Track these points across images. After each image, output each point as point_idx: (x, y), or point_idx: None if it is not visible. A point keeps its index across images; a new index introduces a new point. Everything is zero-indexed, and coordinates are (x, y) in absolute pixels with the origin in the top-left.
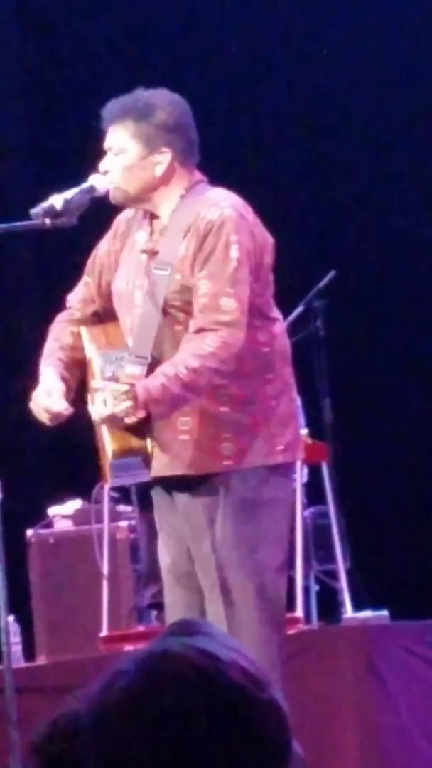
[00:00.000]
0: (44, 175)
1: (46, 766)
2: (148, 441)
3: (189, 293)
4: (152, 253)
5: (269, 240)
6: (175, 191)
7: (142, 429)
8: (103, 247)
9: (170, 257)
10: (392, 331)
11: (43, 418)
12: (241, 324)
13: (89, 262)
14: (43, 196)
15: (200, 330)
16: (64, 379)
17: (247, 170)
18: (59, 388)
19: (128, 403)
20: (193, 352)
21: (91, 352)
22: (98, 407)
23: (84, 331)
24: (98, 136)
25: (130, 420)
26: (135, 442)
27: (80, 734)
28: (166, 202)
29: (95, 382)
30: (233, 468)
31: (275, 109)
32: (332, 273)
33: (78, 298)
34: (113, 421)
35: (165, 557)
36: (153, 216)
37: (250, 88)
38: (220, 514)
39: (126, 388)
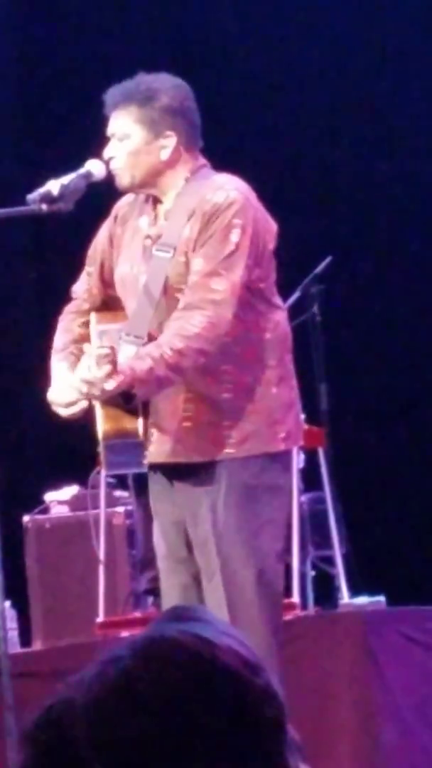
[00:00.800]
0: (40, 161)
1: (40, 753)
2: (141, 424)
3: None
4: (157, 238)
5: (272, 225)
6: (180, 175)
7: (135, 411)
8: (103, 233)
9: (173, 239)
10: (389, 317)
11: (65, 412)
12: (230, 305)
13: (90, 251)
14: (39, 182)
15: (188, 307)
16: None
17: (245, 156)
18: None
19: (107, 367)
20: (178, 332)
21: (92, 332)
22: (81, 372)
23: (93, 315)
24: (95, 120)
25: (110, 385)
26: (128, 424)
27: (74, 720)
28: (171, 186)
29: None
30: (235, 455)
31: (275, 94)
32: (329, 259)
33: (83, 288)
34: (95, 385)
35: (161, 544)
36: (156, 200)
37: (250, 74)
38: (222, 500)
39: (106, 351)
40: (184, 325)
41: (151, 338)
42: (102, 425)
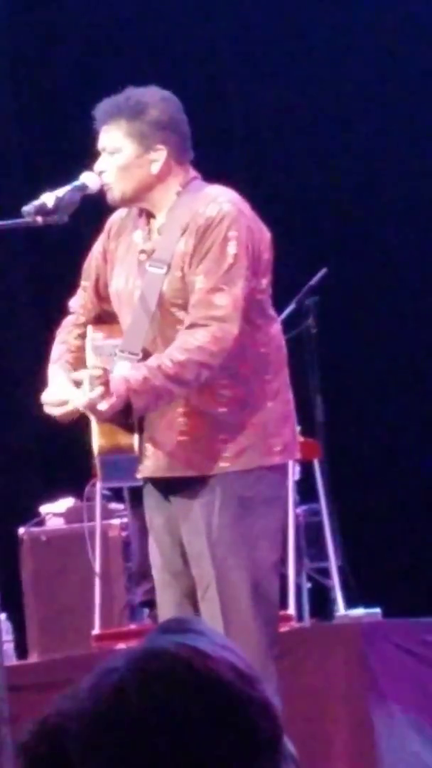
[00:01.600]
0: (35, 173)
1: (34, 765)
2: (136, 440)
3: (190, 291)
4: (151, 253)
5: (267, 235)
6: (171, 188)
7: (131, 427)
8: (97, 248)
9: (166, 255)
10: (384, 329)
11: (58, 411)
12: (234, 319)
13: (85, 266)
14: (34, 195)
15: (192, 325)
16: (72, 380)
17: (240, 168)
18: (67, 385)
19: (100, 389)
20: (180, 346)
21: (87, 348)
22: (77, 394)
23: (90, 329)
24: (90, 133)
25: (103, 407)
26: (123, 439)
27: (69, 733)
28: (163, 199)
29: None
30: (231, 469)
31: (270, 105)
32: (324, 271)
33: (79, 303)
34: (91, 407)
35: (156, 556)
36: (149, 215)
37: (245, 84)
38: (217, 513)
39: (99, 373)
40: (187, 339)
41: (146, 354)
42: (97, 440)
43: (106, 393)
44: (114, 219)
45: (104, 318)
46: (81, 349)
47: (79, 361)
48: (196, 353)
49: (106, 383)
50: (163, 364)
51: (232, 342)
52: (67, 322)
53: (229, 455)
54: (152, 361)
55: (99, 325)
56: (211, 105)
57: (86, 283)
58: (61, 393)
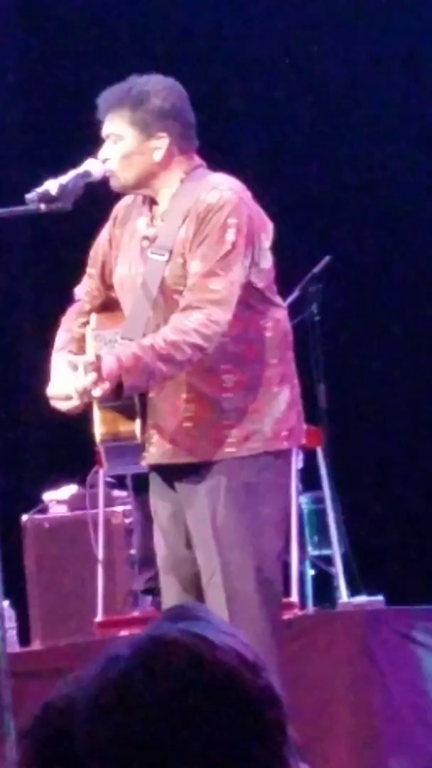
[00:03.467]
0: (38, 160)
1: (38, 751)
2: (138, 427)
3: None
4: (153, 239)
5: (268, 223)
6: (174, 176)
7: (133, 414)
8: (104, 236)
9: (168, 242)
10: (387, 316)
11: (64, 405)
12: (229, 304)
13: (92, 253)
14: (37, 182)
15: (186, 308)
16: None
17: (243, 155)
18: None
19: (93, 375)
20: (174, 327)
21: (88, 334)
22: (74, 381)
23: (93, 316)
24: (93, 121)
25: (97, 393)
26: (123, 427)
27: (73, 719)
28: (166, 187)
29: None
30: (236, 454)
31: (273, 94)
32: (327, 258)
33: (84, 290)
34: (86, 394)
35: (160, 544)
36: (153, 202)
37: (249, 74)
38: (222, 499)
39: (91, 359)
40: (181, 321)
41: None
42: (98, 428)
43: (99, 379)
44: (120, 206)
45: (110, 305)
46: (85, 338)
47: (82, 350)
48: (190, 335)
49: (98, 369)
50: (155, 344)
51: (225, 326)
52: (72, 309)
53: (234, 440)
54: (145, 340)
55: (103, 313)
56: (215, 94)
57: (92, 270)
58: (66, 387)
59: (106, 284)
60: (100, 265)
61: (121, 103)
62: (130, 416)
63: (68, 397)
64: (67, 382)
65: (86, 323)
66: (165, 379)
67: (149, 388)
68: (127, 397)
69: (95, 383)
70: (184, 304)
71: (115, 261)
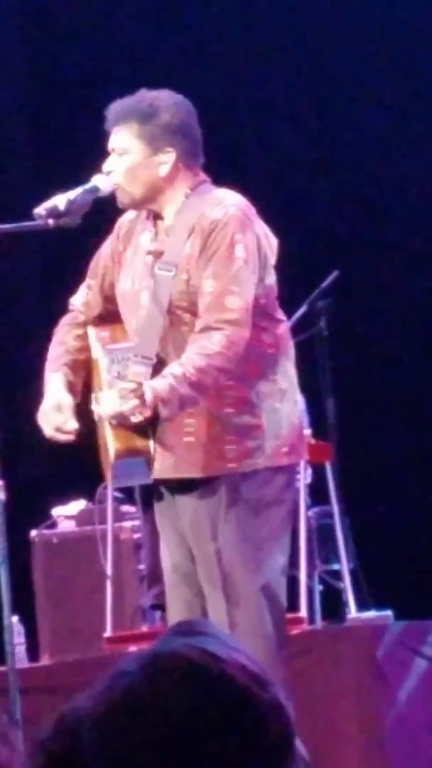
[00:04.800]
0: (45, 176)
1: (49, 765)
2: (152, 442)
3: (195, 293)
4: (158, 255)
5: (273, 240)
6: (179, 191)
7: (146, 430)
8: (106, 249)
9: (174, 257)
10: (396, 331)
11: (50, 433)
12: (246, 322)
13: (92, 264)
14: (45, 197)
15: (205, 329)
16: (71, 385)
17: (250, 170)
18: (69, 403)
19: (134, 402)
20: (199, 352)
21: (97, 350)
22: (105, 405)
23: (91, 330)
24: (101, 135)
25: (136, 419)
26: (139, 442)
27: (83, 734)
28: (171, 202)
29: (102, 381)
30: (238, 470)
31: (279, 108)
32: (335, 273)
33: (81, 301)
34: (120, 419)
35: (167, 558)
36: (157, 216)
37: (253, 85)
38: (223, 515)
39: (133, 386)
40: (204, 344)
41: (159, 358)
42: (113, 445)
43: (141, 407)
44: (123, 221)
45: (106, 318)
46: (79, 351)
47: (77, 364)
48: (215, 359)
49: (141, 396)
50: (187, 372)
51: (244, 345)
52: (65, 321)
53: (235, 456)
54: (176, 369)
55: (101, 326)
56: (221, 108)
57: (92, 282)
58: (69, 425)
59: (106, 296)
60: (101, 278)
61: (129, 116)
62: (143, 432)
63: (58, 430)
64: (68, 420)
65: (80, 336)
66: (195, 405)
67: (178, 416)
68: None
69: (136, 409)
70: (203, 324)
71: (117, 276)
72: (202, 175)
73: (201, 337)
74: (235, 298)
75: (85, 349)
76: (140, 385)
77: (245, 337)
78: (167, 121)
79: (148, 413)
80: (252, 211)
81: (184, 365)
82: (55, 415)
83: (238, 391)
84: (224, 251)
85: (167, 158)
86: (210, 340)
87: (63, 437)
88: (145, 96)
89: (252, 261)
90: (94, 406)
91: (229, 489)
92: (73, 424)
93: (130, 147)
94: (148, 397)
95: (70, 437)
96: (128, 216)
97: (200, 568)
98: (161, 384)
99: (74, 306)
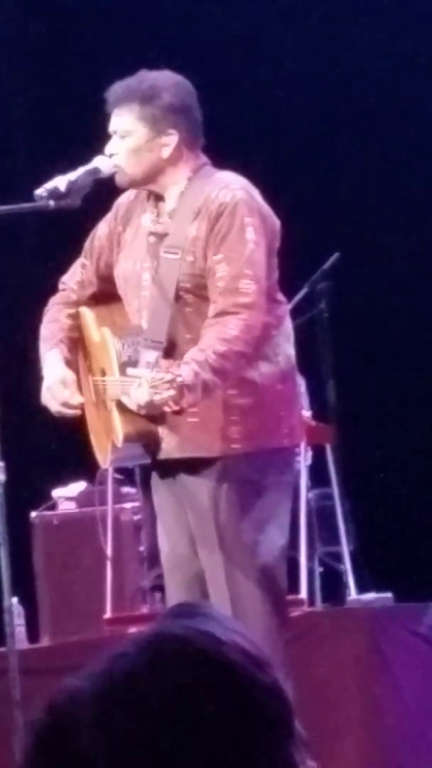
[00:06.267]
0: (45, 156)
1: (44, 745)
2: (158, 423)
3: (201, 275)
4: (161, 236)
5: (276, 223)
6: (182, 173)
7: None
8: (103, 229)
9: (179, 240)
10: (396, 313)
11: (57, 408)
12: (261, 306)
13: (87, 244)
14: (45, 178)
15: (222, 313)
16: (69, 363)
17: (251, 152)
18: (72, 377)
19: (171, 392)
20: (218, 337)
21: (105, 333)
22: (137, 394)
23: (88, 311)
24: (101, 117)
25: (168, 409)
26: (146, 425)
27: (79, 715)
28: (174, 184)
29: (112, 365)
30: (241, 450)
31: (279, 91)
32: (336, 255)
33: (75, 280)
34: (150, 409)
35: (164, 542)
36: (158, 197)
37: (254, 70)
38: (225, 496)
39: (170, 377)
40: (223, 329)
41: (170, 341)
42: (122, 428)
43: (178, 397)
44: (122, 201)
45: (99, 298)
46: (73, 329)
47: (72, 342)
48: (235, 343)
49: (179, 388)
50: (209, 358)
51: (261, 328)
52: (56, 300)
53: (239, 437)
54: (198, 356)
55: (97, 306)
56: (222, 91)
57: (87, 261)
58: (75, 398)
59: (100, 276)
60: (96, 257)
61: (130, 98)
62: (150, 415)
63: (65, 404)
64: (67, 378)
65: (72, 315)
66: (215, 391)
67: (200, 402)
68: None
69: (172, 400)
70: (219, 309)
71: (116, 256)
72: (203, 158)
73: (218, 322)
74: (250, 282)
75: (78, 328)
76: (175, 376)
77: (261, 320)
78: (169, 101)
79: (181, 405)
80: (257, 193)
81: (205, 351)
82: (61, 390)
83: (241, 372)
84: (235, 234)
85: (170, 140)
86: (227, 325)
87: (71, 412)
88: (146, 77)
89: (262, 243)
90: (109, 389)
91: (231, 469)
92: (79, 398)
93: (132, 129)
94: (183, 391)
95: (78, 411)
96: (126, 196)
97: (200, 549)
98: (186, 371)
99: (66, 285)
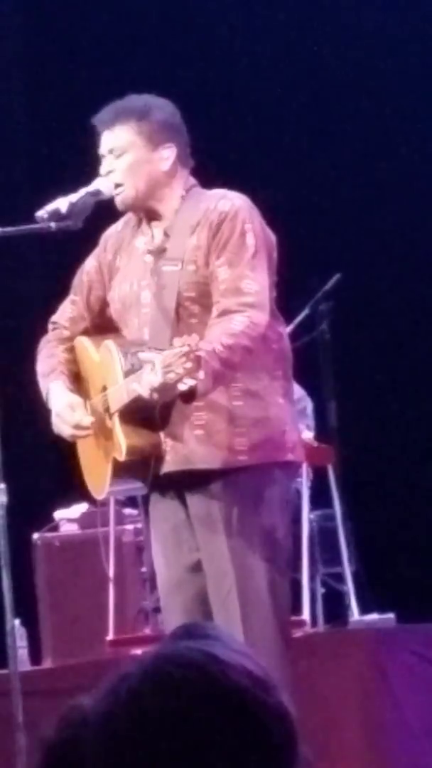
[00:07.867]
0: (46, 179)
1: (52, 766)
2: (162, 436)
3: (205, 282)
4: (159, 252)
5: (273, 236)
6: (177, 190)
7: (156, 424)
8: (91, 263)
9: (180, 252)
10: (398, 334)
11: (70, 432)
12: (264, 305)
13: (76, 280)
14: (46, 200)
15: (225, 312)
16: (72, 391)
17: (250, 172)
18: (79, 401)
19: (188, 365)
20: (224, 331)
21: (108, 345)
22: (149, 377)
23: (84, 338)
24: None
25: (185, 386)
26: (150, 438)
27: (85, 738)
28: (170, 199)
29: (116, 375)
30: (247, 463)
31: (278, 109)
32: (338, 276)
33: (66, 317)
34: (164, 390)
35: (161, 564)
36: (150, 218)
37: (252, 87)
38: (233, 507)
39: (185, 349)
40: (228, 325)
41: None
42: (124, 442)
43: (195, 369)
44: (109, 233)
45: (92, 333)
46: (70, 363)
47: (72, 374)
48: (241, 337)
49: (197, 359)
50: (216, 348)
51: (265, 327)
52: (48, 338)
53: (244, 449)
54: (206, 346)
55: (93, 336)
56: (222, 107)
57: (76, 297)
58: (87, 419)
59: (91, 310)
60: (86, 292)
61: (126, 115)
62: (153, 427)
63: (77, 427)
64: (74, 402)
65: (69, 349)
66: (224, 383)
67: (210, 393)
68: (150, 407)
69: (192, 373)
70: (222, 308)
71: (110, 284)
72: (192, 179)
73: (222, 320)
74: (251, 282)
75: (75, 362)
76: (191, 345)
77: (265, 319)
78: (164, 118)
79: (200, 376)
80: (254, 206)
81: (212, 343)
82: (71, 414)
83: (245, 384)
84: (237, 240)
85: (168, 153)
86: (232, 322)
87: (84, 433)
88: (137, 97)
89: (262, 249)
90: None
91: (237, 482)
92: (89, 418)
93: (130, 145)
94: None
95: (89, 432)
96: (114, 228)
97: (208, 564)
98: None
99: (57, 323)
